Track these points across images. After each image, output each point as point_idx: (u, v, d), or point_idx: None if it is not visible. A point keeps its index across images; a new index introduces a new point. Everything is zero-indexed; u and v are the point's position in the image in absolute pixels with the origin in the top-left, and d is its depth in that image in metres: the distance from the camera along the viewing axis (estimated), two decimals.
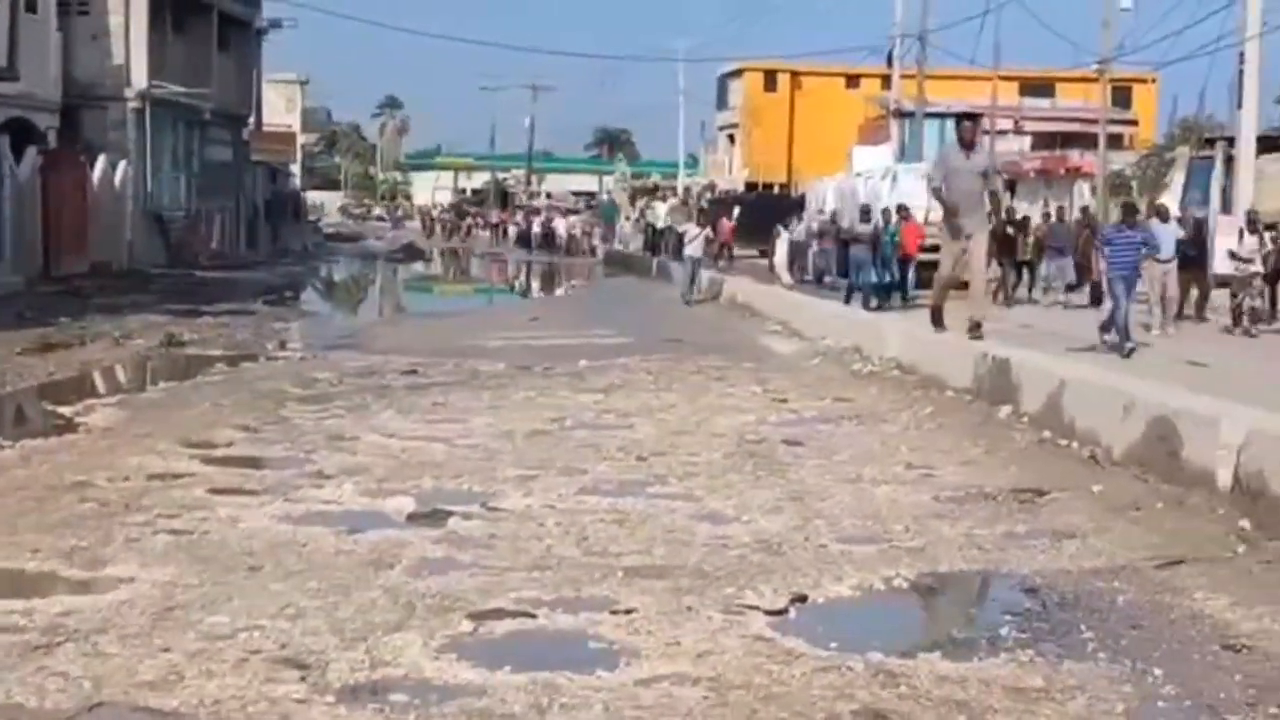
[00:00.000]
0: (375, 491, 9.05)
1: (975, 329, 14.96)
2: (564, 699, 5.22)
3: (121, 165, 35.55)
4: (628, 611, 6.32)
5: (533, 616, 6.30)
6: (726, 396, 13.98)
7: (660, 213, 45.84)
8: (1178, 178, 34.67)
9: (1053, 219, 26.06)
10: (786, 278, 28.85)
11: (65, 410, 12.99)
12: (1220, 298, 19.26)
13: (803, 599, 6.61)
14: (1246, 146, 26.35)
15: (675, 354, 18.13)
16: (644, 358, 17.49)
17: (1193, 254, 18.85)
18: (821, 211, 31.24)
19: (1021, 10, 76.28)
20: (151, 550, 7.41)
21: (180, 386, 15.11)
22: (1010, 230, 23.60)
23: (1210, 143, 33.61)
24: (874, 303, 22.16)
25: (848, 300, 22.95)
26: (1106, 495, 8.98)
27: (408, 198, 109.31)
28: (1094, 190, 37.46)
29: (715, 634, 6.02)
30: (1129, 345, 13.99)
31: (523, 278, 45.61)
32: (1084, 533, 7.96)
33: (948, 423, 12.19)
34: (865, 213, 24.49)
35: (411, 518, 8.32)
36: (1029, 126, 51.41)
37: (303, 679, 5.39)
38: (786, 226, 30.90)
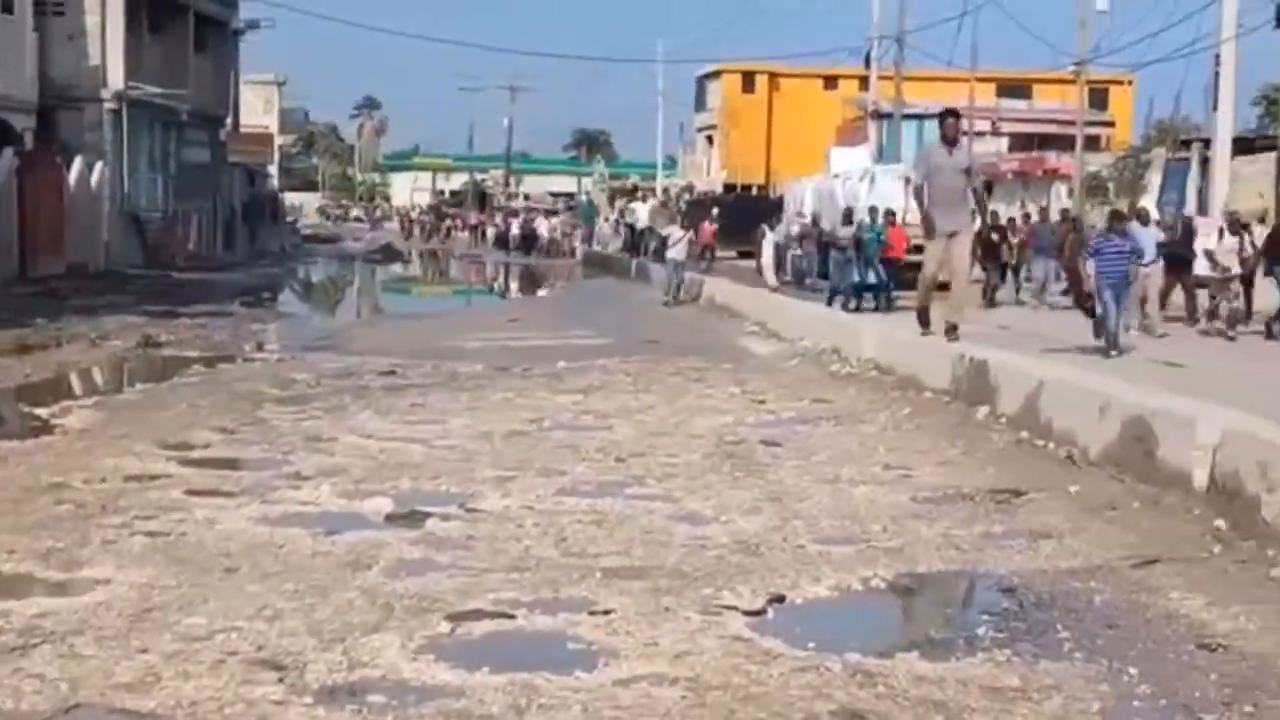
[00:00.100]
0: (353, 493, 9.03)
1: (952, 331, 14.97)
2: (542, 699, 5.22)
3: (98, 166, 35.41)
4: (606, 612, 6.32)
5: (511, 617, 6.30)
6: (705, 397, 14.00)
7: (641, 214, 45.79)
8: (1154, 179, 34.88)
9: (1034, 219, 26.12)
10: (773, 279, 28.38)
11: (42, 412, 12.94)
12: (1200, 298, 19.30)
13: (781, 599, 6.62)
14: (1222, 148, 26.52)
15: (654, 355, 18.14)
16: (623, 359, 17.49)
17: (1189, 256, 18.76)
18: (801, 213, 31.19)
19: (999, 12, 76.60)
20: (128, 552, 7.38)
21: (157, 388, 15.06)
22: (995, 236, 23.52)
23: (1186, 144, 33.84)
24: (854, 304, 22.18)
25: (830, 302, 22.92)
26: (1083, 495, 9.00)
27: (386, 199, 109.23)
28: (1071, 192, 37.63)
29: (693, 634, 6.03)
30: (1113, 354, 14.01)
31: (501, 279, 45.57)
32: (1061, 533, 7.99)
33: (925, 423, 12.22)
34: (848, 215, 24.47)
35: (389, 519, 8.30)
36: (1006, 128, 51.65)
37: (280, 680, 5.38)
38: (772, 227, 30.58)
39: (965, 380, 13.28)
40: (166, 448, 10.74)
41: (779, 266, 29.23)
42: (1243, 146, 28.25)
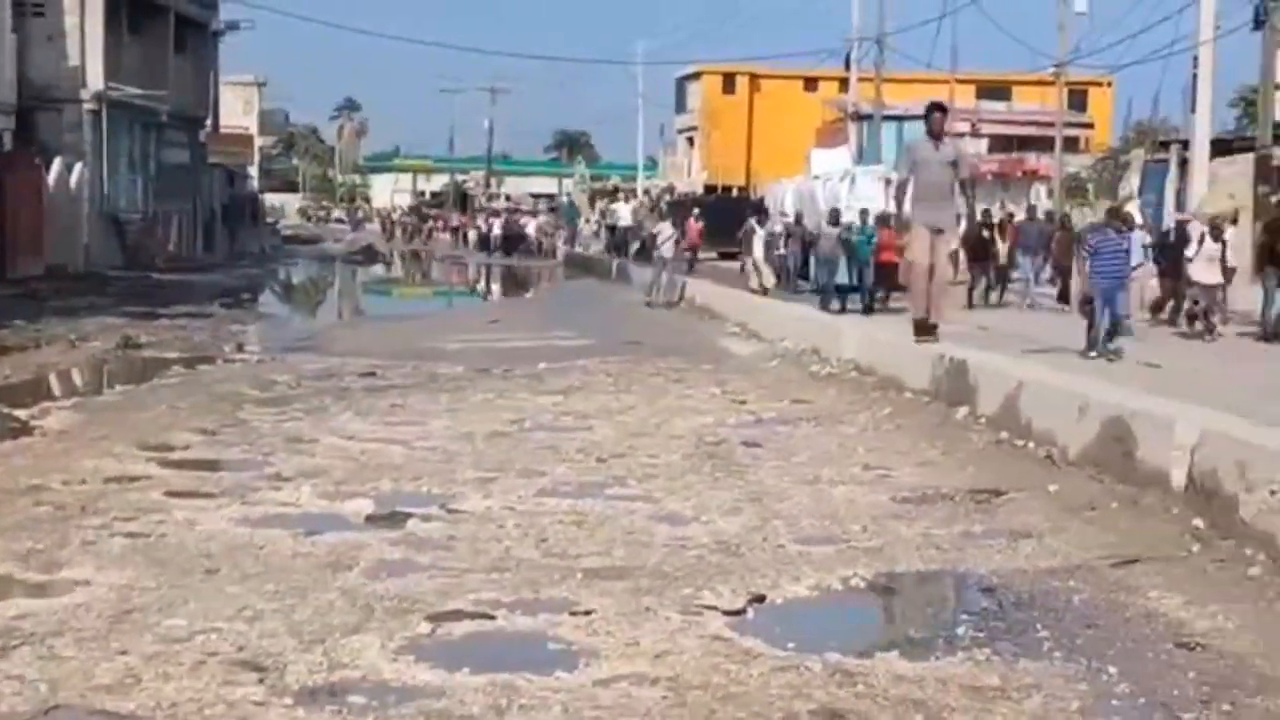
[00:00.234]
0: (333, 494, 9.03)
1: (931, 331, 14.91)
2: (523, 700, 5.23)
3: (77, 167, 35.31)
4: (587, 612, 6.33)
5: (491, 618, 6.30)
6: (685, 398, 14.01)
7: (623, 213, 45.75)
8: (1133, 180, 34.99)
9: (1017, 218, 26.07)
10: (770, 277, 27.31)
11: (20, 413, 12.87)
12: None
13: (761, 599, 6.64)
14: (1200, 150, 26.62)
15: (635, 356, 18.15)
16: (603, 360, 17.49)
17: (1188, 257, 18.74)
18: (784, 214, 31.13)
19: (978, 14, 76.59)
20: (108, 553, 7.37)
21: (137, 389, 15.02)
22: (986, 234, 23.20)
23: (1165, 146, 33.97)
24: (836, 304, 22.14)
25: (824, 305, 22.51)
26: (1062, 495, 9.04)
27: (367, 200, 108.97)
28: (1050, 193, 37.76)
29: (674, 634, 6.04)
30: (1092, 354, 13.89)
31: (483, 281, 45.52)
32: (1040, 532, 8.02)
33: (905, 424, 12.25)
34: (835, 216, 24.34)
35: (370, 520, 8.30)
36: (986, 129, 51.85)
37: (260, 681, 5.38)
38: (761, 224, 30.03)
39: (945, 381, 13.31)
40: (146, 449, 10.71)
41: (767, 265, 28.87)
42: (1221, 148, 28.34)
